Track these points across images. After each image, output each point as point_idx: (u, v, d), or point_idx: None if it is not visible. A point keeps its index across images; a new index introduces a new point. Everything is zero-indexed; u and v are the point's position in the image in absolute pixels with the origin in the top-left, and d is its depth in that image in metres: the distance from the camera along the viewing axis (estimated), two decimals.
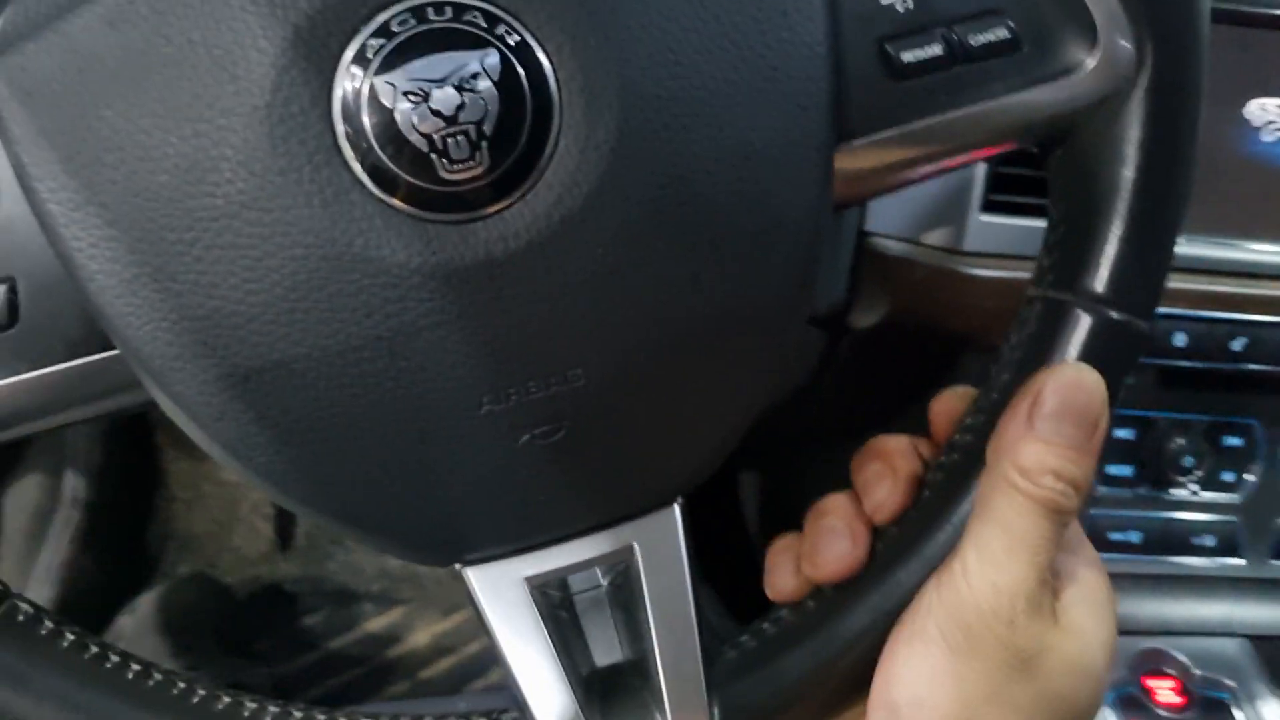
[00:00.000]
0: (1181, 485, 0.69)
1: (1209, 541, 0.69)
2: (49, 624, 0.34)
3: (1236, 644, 0.68)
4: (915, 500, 0.38)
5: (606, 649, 0.38)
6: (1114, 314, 0.36)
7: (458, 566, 0.34)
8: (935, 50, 0.33)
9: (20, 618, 0.33)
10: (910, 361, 0.68)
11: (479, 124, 0.27)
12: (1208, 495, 0.69)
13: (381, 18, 0.27)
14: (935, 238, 0.60)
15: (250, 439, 0.30)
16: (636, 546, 0.35)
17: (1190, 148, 0.36)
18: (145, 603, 1.08)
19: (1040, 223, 0.55)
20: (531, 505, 0.33)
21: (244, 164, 0.27)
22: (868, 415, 0.77)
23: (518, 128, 0.27)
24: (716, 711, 0.36)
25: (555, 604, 0.36)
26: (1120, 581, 0.68)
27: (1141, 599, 0.69)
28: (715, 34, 0.29)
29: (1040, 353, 0.37)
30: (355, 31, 0.27)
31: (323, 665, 1.05)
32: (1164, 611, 0.69)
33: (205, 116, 0.27)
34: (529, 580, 0.34)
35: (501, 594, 0.34)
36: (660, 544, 0.35)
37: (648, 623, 0.35)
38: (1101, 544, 0.69)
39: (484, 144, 0.27)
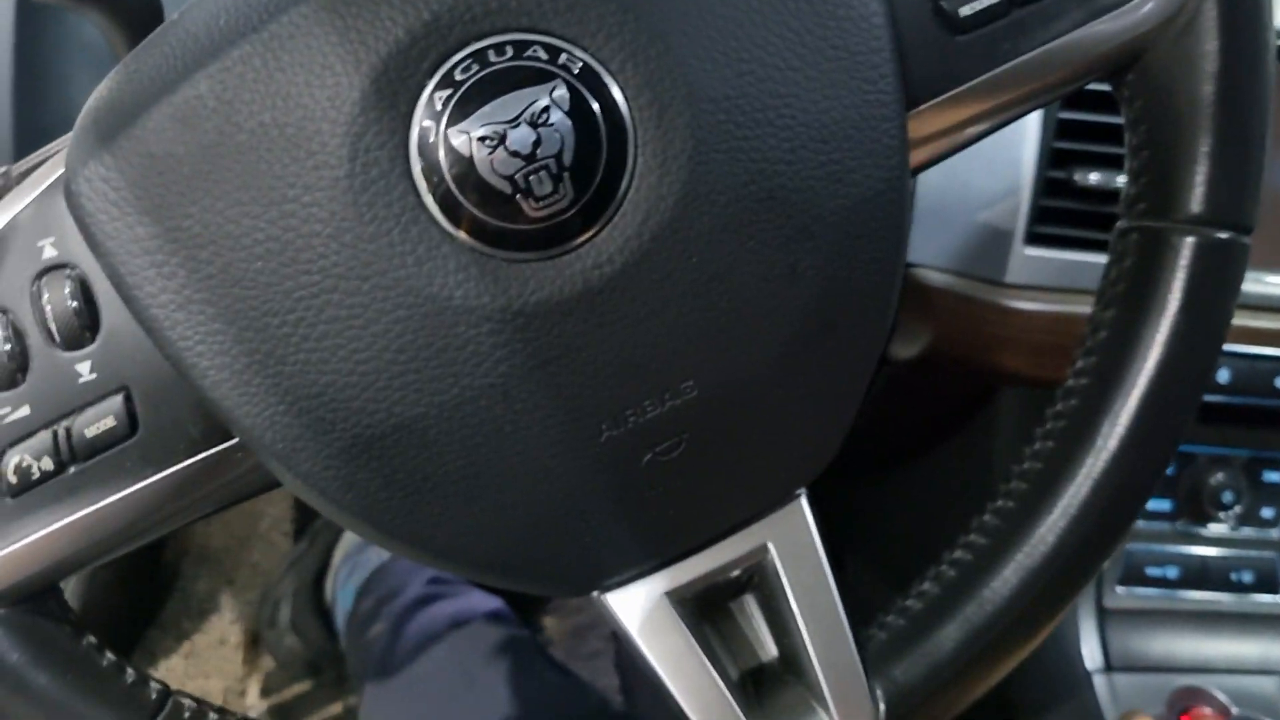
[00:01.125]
0: (1220, 521, 0.68)
1: (1247, 578, 0.69)
2: (213, 715, 0.34)
3: (1274, 682, 0.67)
4: (1038, 450, 0.38)
5: (749, 650, 0.38)
6: (1218, 234, 0.35)
7: (595, 594, 0.34)
8: None
9: (186, 714, 0.34)
10: (949, 395, 0.68)
11: (558, 157, 0.27)
12: (1246, 531, 0.68)
13: (444, 68, 0.27)
14: (978, 270, 0.60)
15: (380, 504, 0.30)
16: (770, 544, 0.35)
17: (1266, 53, 0.35)
18: None
19: (1086, 256, 0.58)
20: (662, 521, 0.33)
21: (334, 236, 0.27)
22: (903, 448, 0.77)
23: (596, 154, 0.28)
24: (880, 696, 0.36)
25: (695, 614, 0.36)
26: (1158, 618, 0.68)
27: (1179, 635, 0.68)
28: (772, 23, 0.29)
29: (1146, 284, 0.36)
30: (421, 86, 0.27)
31: None
32: (1202, 649, 0.68)
33: (289, 196, 0.27)
34: (669, 595, 0.34)
35: (645, 613, 0.34)
36: (793, 537, 0.35)
37: (794, 617, 0.35)
38: (1139, 579, 0.68)
39: (565, 176, 0.27)
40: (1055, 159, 0.57)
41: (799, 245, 0.30)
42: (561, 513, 0.31)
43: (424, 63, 0.27)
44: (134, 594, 1.15)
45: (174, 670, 1.15)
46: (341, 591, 1.01)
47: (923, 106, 0.33)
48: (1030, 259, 0.58)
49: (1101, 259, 0.54)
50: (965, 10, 0.32)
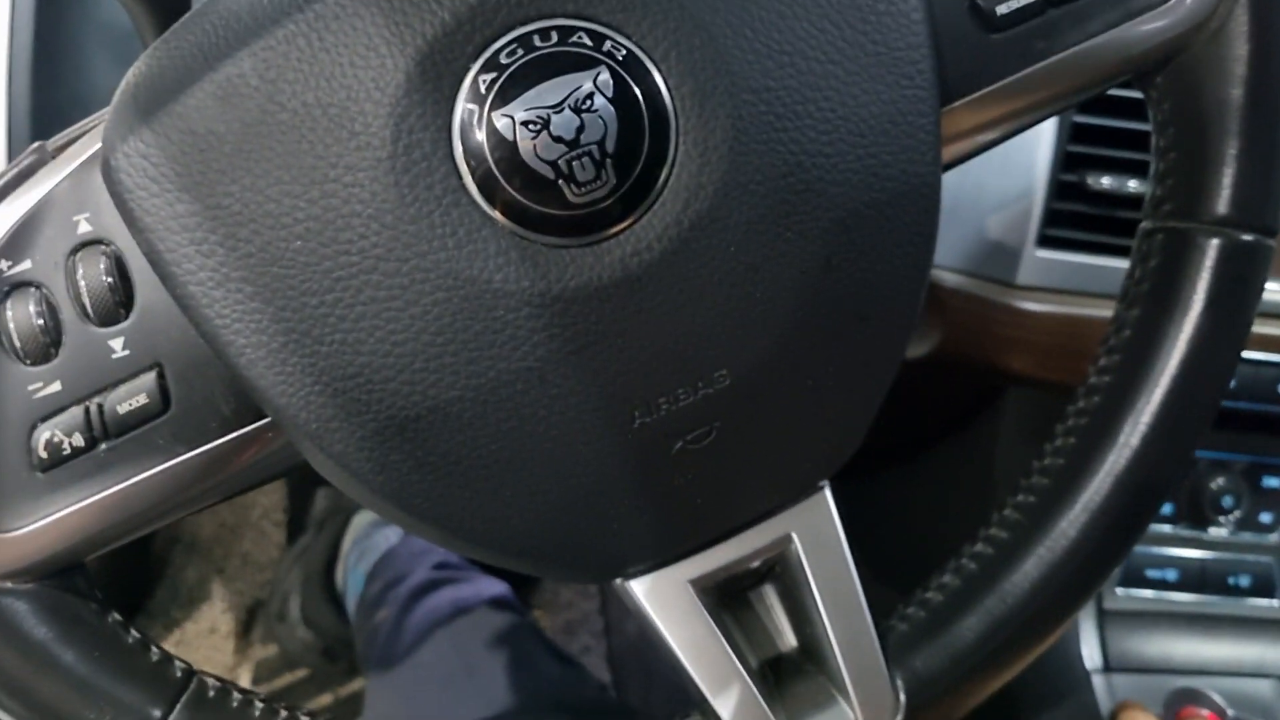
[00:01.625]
0: (1220, 525, 0.69)
1: (1245, 582, 0.69)
2: (237, 695, 0.34)
3: (1271, 685, 0.68)
4: (1060, 446, 0.38)
5: (769, 640, 0.38)
6: (1244, 235, 0.36)
7: (619, 580, 0.34)
8: None
9: (210, 693, 0.34)
10: (955, 394, 0.68)
11: (600, 143, 0.27)
12: (1245, 536, 0.69)
13: (489, 51, 0.27)
14: (990, 271, 0.60)
15: (412, 487, 0.30)
16: (794, 534, 0.35)
17: None
18: None
19: (1097, 260, 0.58)
20: (689, 510, 0.33)
21: (374, 217, 0.27)
22: (906, 446, 0.77)
23: (638, 141, 0.27)
24: (900, 686, 0.36)
25: (716, 602, 0.36)
26: (1156, 620, 0.69)
27: (1177, 638, 0.68)
28: (813, 17, 0.29)
29: (1171, 285, 0.36)
30: (465, 69, 0.27)
31: None
32: (1200, 651, 0.68)
33: (331, 176, 0.27)
34: (693, 583, 0.35)
35: (668, 601, 0.34)
36: (816, 528, 0.35)
37: (817, 607, 0.35)
38: (1138, 580, 0.69)
39: (608, 162, 0.27)
40: (1068, 162, 0.58)
41: (835, 238, 0.30)
42: (591, 499, 0.31)
43: (469, 46, 0.27)
44: (123, 581, 1.14)
45: None
46: (352, 576, 1.01)
47: (956, 103, 0.33)
48: (1041, 261, 0.59)
49: (1112, 262, 0.59)
50: (1002, 8, 0.33)
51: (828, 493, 0.35)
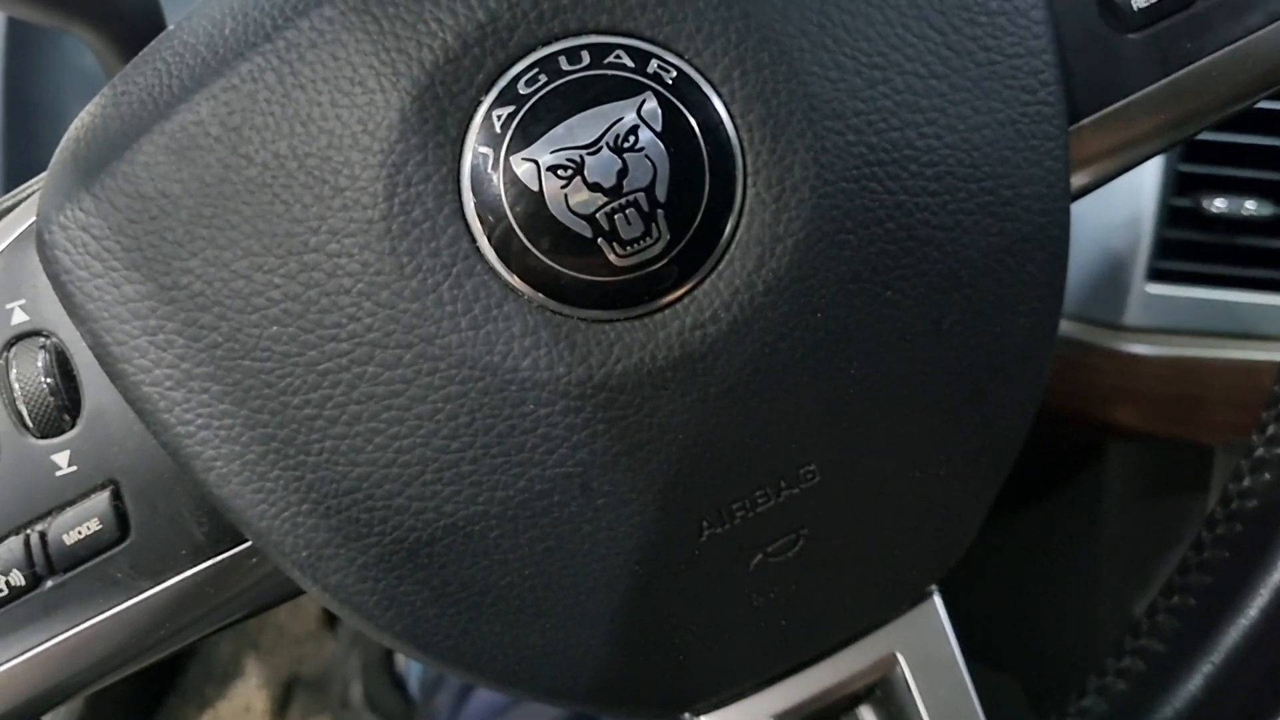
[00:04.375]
0: None
1: None
2: None
3: None
4: (1221, 536, 0.35)
5: None
6: None
7: (687, 716, 0.31)
8: None
9: None
10: (1055, 450, 0.63)
11: (648, 190, 0.23)
12: None
13: (504, 80, 0.23)
14: (1092, 311, 0.55)
15: (429, 623, 0.26)
16: (899, 654, 0.31)
17: None
18: None
19: (1217, 294, 0.54)
20: (771, 633, 0.29)
21: (367, 294, 0.24)
22: (1000, 507, 0.71)
23: (696, 185, 0.24)
24: None
25: None
26: None
27: None
28: (910, 21, 0.25)
29: None
30: (475, 103, 0.23)
31: None
32: None
33: (312, 244, 0.24)
34: (777, 718, 0.31)
35: None
36: (927, 644, 0.32)
37: None
38: None
39: (659, 214, 0.24)
40: (1181, 184, 0.53)
41: (945, 296, 0.26)
42: (651, 628, 0.28)
43: (479, 74, 0.23)
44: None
45: None
46: None
47: (1085, 121, 0.29)
48: (1153, 298, 0.54)
49: (1234, 296, 0.54)
50: (1139, 2, 0.28)
51: (938, 600, 0.32)
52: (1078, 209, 0.53)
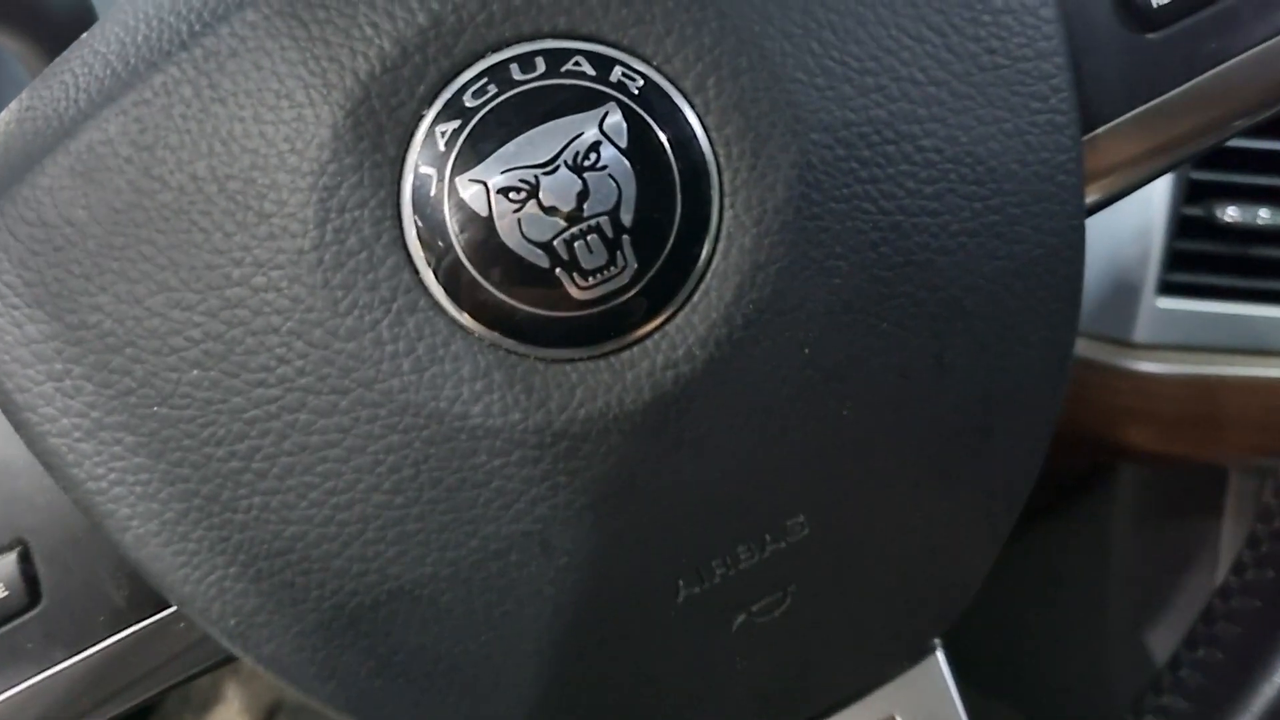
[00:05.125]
0: None
1: None
2: None
3: None
4: (1251, 582, 0.33)
5: None
6: None
7: None
8: None
9: None
10: (1062, 471, 0.61)
11: (613, 213, 0.22)
12: None
13: (449, 91, 0.22)
14: (1100, 327, 0.53)
15: (376, 695, 0.24)
16: (898, 716, 0.30)
17: None
18: None
19: (1230, 307, 0.51)
20: (756, 698, 0.28)
21: (298, 333, 0.22)
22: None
23: (666, 207, 0.22)
24: None
25: None
26: None
27: None
28: (905, 21, 0.23)
29: None
30: (417, 117, 0.22)
31: None
32: None
33: (235, 278, 0.22)
34: None
35: None
36: (928, 704, 0.30)
37: None
38: None
39: (624, 240, 0.22)
40: (1192, 192, 0.51)
41: (947, 326, 0.25)
42: (623, 697, 0.26)
43: (420, 85, 0.21)
44: None
45: None
46: None
47: (1100, 129, 0.27)
48: (1164, 313, 0.51)
49: (1249, 310, 0.51)
50: None
51: (940, 655, 0.30)
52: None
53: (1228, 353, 0.51)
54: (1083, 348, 0.53)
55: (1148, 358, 0.52)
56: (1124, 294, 0.51)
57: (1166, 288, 0.51)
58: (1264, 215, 0.51)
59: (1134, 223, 0.51)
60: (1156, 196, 0.50)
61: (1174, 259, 0.51)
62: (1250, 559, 0.32)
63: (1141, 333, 0.51)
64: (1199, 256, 0.50)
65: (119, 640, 0.26)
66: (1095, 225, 0.52)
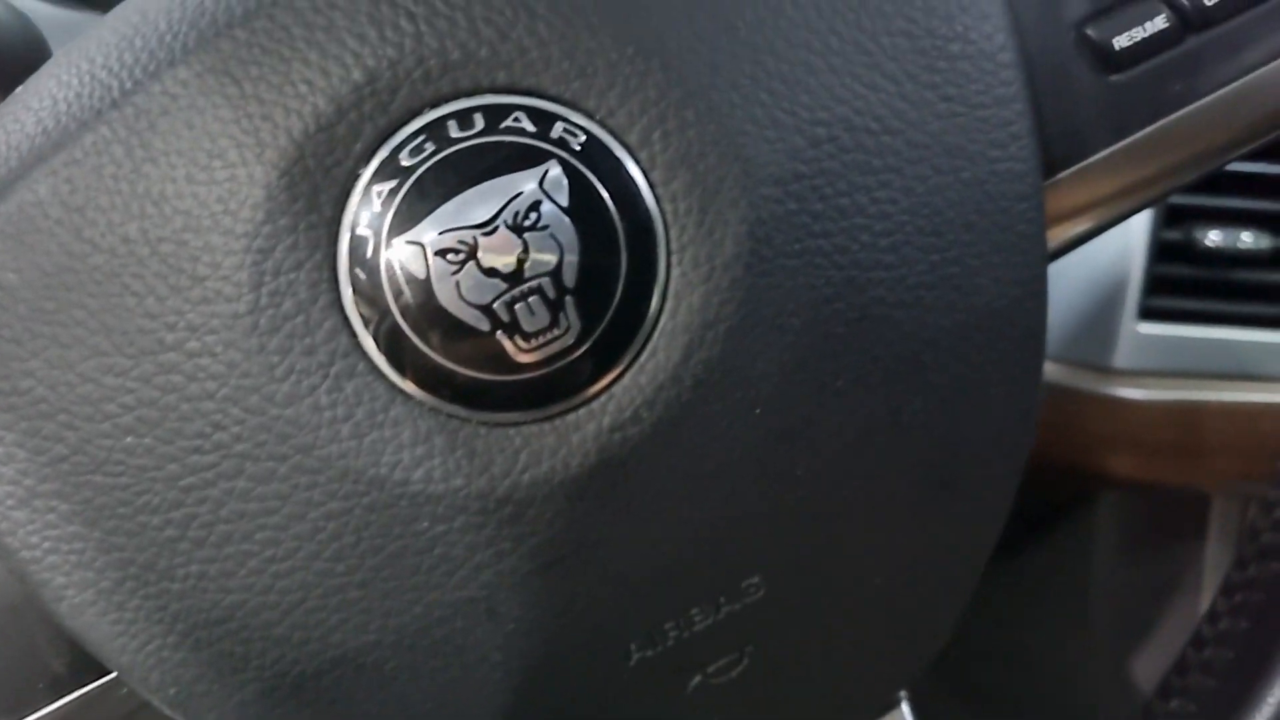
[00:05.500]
0: None
1: None
2: None
3: None
4: (1241, 605, 0.32)
5: None
6: None
7: None
8: (1159, 23, 0.26)
9: None
10: (1041, 500, 0.61)
11: (554, 274, 0.21)
12: None
13: (385, 150, 0.21)
14: (1079, 353, 0.53)
15: None
16: None
17: None
18: None
19: (1211, 332, 0.51)
20: None
21: (233, 399, 0.22)
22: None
23: (611, 266, 0.22)
24: None
25: None
26: None
27: None
28: (858, 68, 0.23)
29: None
30: (353, 177, 0.21)
31: None
32: None
33: (168, 342, 0.22)
34: None
35: None
36: None
37: None
38: None
39: (567, 301, 0.21)
40: (1172, 216, 0.51)
41: (904, 382, 0.24)
42: None
43: (356, 143, 0.21)
44: None
45: None
46: None
47: (1062, 174, 0.26)
48: (1144, 338, 0.52)
49: (1230, 334, 0.51)
50: (1122, 40, 0.26)
51: (905, 708, 0.30)
52: None
53: (1209, 378, 0.52)
54: (1062, 375, 0.53)
55: (1128, 384, 0.52)
56: (1104, 320, 0.51)
57: (1147, 313, 0.51)
58: (1246, 239, 0.51)
59: (1114, 247, 0.51)
60: (1136, 221, 0.50)
61: (1154, 284, 0.51)
62: (1239, 580, 0.31)
63: (1122, 359, 0.51)
64: (1179, 281, 0.51)
65: (60, 708, 0.26)
66: (1074, 252, 0.52)
